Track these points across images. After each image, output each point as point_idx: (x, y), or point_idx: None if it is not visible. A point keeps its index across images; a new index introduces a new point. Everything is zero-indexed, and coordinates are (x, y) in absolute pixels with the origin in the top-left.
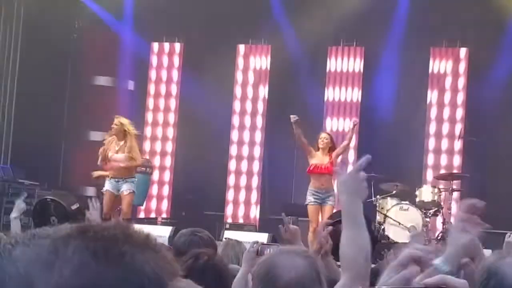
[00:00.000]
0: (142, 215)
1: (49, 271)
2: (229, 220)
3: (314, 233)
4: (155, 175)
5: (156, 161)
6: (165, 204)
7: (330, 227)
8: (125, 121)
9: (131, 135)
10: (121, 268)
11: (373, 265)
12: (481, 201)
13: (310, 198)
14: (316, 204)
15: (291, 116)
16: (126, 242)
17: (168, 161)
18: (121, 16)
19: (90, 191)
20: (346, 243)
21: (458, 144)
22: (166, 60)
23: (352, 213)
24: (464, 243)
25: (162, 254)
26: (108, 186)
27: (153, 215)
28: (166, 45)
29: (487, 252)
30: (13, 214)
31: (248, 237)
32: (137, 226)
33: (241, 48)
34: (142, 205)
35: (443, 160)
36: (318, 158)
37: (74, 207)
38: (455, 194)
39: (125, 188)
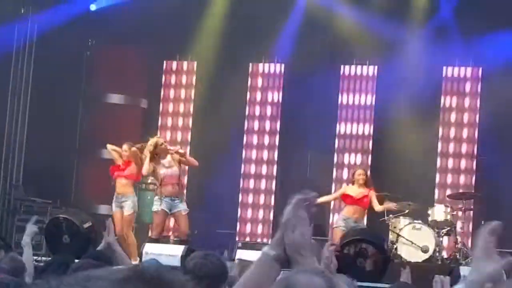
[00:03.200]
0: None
1: None
2: (242, 239)
3: None
4: None
5: None
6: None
7: (333, 247)
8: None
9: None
10: None
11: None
12: (498, 222)
13: (340, 223)
14: (343, 231)
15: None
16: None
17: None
18: (134, 34)
19: (103, 209)
20: None
21: (470, 163)
22: (179, 78)
23: None
24: (490, 272)
25: None
26: (164, 205)
27: (165, 234)
28: (180, 63)
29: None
30: (25, 240)
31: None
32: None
33: (254, 67)
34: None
35: (456, 179)
36: (354, 191)
37: (86, 225)
38: (468, 214)
39: (183, 208)
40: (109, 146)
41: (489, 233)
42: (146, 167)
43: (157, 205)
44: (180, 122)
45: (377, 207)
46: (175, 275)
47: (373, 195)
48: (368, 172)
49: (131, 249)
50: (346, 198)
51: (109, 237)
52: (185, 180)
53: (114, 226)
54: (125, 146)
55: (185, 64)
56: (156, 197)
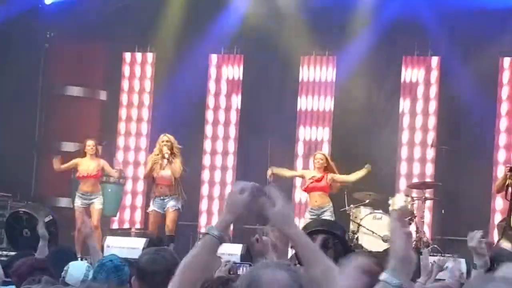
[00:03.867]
0: (115, 225)
1: None
2: (203, 231)
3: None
4: (129, 185)
5: (130, 171)
6: (138, 215)
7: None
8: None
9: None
10: None
11: None
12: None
13: (307, 215)
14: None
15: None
16: None
17: (141, 171)
18: (93, 26)
19: (63, 202)
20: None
21: (430, 153)
22: (138, 70)
23: (309, 244)
24: (402, 253)
25: None
26: (155, 206)
27: (126, 226)
28: (138, 55)
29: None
30: None
31: (222, 249)
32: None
33: (214, 58)
34: (116, 216)
35: (416, 168)
36: (311, 175)
37: (47, 219)
38: (428, 203)
39: (171, 205)
40: (62, 167)
41: (400, 216)
42: (178, 170)
43: (151, 206)
44: (140, 113)
45: (350, 177)
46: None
47: (330, 178)
48: (322, 148)
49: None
50: (305, 187)
51: (87, 230)
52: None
53: (79, 221)
54: (90, 142)
55: (144, 55)
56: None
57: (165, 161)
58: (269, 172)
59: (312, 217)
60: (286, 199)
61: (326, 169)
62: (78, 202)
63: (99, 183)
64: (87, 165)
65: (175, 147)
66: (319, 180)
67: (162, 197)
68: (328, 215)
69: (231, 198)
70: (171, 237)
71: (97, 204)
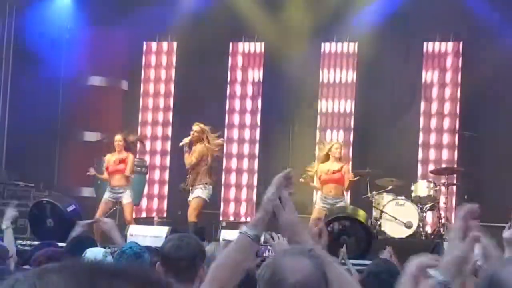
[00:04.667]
0: (138, 214)
1: None
2: (226, 219)
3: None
4: (152, 174)
5: (152, 160)
6: (161, 204)
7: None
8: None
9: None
10: None
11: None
12: (475, 204)
13: (319, 202)
14: (324, 209)
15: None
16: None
17: (164, 160)
18: (114, 15)
19: (86, 191)
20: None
21: (453, 139)
22: (160, 59)
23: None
24: (457, 254)
25: None
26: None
27: (149, 215)
28: (160, 44)
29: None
30: (5, 224)
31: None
32: None
33: (234, 46)
34: (138, 205)
35: (439, 154)
36: (326, 168)
37: (70, 208)
38: (451, 189)
39: (195, 194)
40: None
41: (463, 217)
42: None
43: None
44: (162, 103)
45: (346, 185)
46: (129, 268)
47: (346, 170)
48: (344, 136)
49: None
50: (320, 177)
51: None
52: (165, 161)
53: (99, 211)
54: (118, 137)
55: (165, 44)
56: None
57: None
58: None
59: (324, 205)
60: (292, 207)
61: (340, 159)
62: (107, 195)
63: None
64: (113, 159)
65: (206, 135)
66: (335, 172)
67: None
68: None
69: (269, 196)
70: (192, 224)
71: (126, 198)
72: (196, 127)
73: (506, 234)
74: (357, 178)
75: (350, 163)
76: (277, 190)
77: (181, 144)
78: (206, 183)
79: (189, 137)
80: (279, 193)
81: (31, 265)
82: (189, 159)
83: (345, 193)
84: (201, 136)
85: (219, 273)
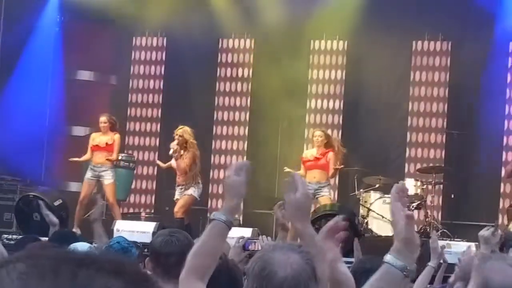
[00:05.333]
0: (126, 210)
1: None
2: (211, 216)
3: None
4: (139, 170)
5: (140, 156)
6: (149, 199)
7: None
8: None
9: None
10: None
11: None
12: (402, 181)
13: None
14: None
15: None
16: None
17: (152, 156)
18: (103, 10)
19: (73, 186)
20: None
21: (440, 138)
22: (148, 55)
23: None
24: (404, 236)
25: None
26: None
27: (137, 210)
28: (149, 39)
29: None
30: None
31: (232, 232)
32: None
33: (224, 42)
34: (125, 200)
35: (426, 153)
36: (311, 154)
37: (57, 203)
38: (438, 187)
39: (187, 192)
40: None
41: (395, 195)
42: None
43: None
44: (150, 99)
45: (330, 173)
46: (99, 257)
47: (332, 156)
48: (332, 133)
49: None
50: (304, 163)
51: (94, 215)
52: (152, 156)
53: (82, 193)
54: (103, 118)
55: (154, 40)
56: None
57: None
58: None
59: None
60: (307, 193)
61: (327, 145)
62: (88, 174)
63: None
64: (100, 138)
65: (189, 142)
66: (318, 159)
67: (180, 186)
68: (326, 192)
69: (229, 182)
70: (178, 220)
71: (107, 178)
72: (179, 131)
73: (485, 233)
74: (342, 166)
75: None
76: (235, 173)
77: (170, 152)
78: (198, 182)
79: (176, 142)
80: (238, 176)
81: None
82: (183, 163)
83: (329, 179)
84: (185, 139)
85: (197, 260)
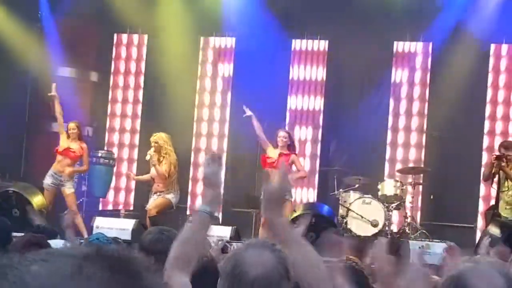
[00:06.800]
0: (105, 207)
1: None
2: (192, 210)
3: (264, 227)
4: (119, 167)
5: (120, 153)
6: (128, 197)
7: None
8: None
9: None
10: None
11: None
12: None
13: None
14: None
15: (245, 109)
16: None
17: (132, 153)
18: (85, 7)
19: None
20: (303, 264)
21: (420, 138)
22: (130, 51)
23: (291, 232)
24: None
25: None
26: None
27: (116, 207)
28: (130, 37)
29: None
30: None
31: (212, 231)
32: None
33: (205, 40)
34: (105, 197)
35: (405, 154)
36: (274, 154)
37: (36, 199)
38: (417, 188)
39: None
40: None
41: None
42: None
43: None
44: (131, 95)
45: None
46: (132, 252)
47: (295, 159)
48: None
49: (81, 228)
50: (264, 162)
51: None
52: (132, 153)
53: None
54: (72, 124)
55: (135, 37)
56: None
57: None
58: (247, 113)
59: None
60: (286, 182)
61: (289, 148)
62: (48, 180)
63: (73, 166)
64: (68, 143)
65: (164, 148)
66: (275, 161)
67: (158, 193)
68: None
69: (204, 174)
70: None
71: (69, 188)
72: (154, 138)
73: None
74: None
75: (318, 160)
76: (209, 164)
77: (147, 158)
78: (177, 190)
79: (152, 149)
80: (215, 168)
81: (9, 250)
82: (161, 169)
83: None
84: (160, 145)
85: (182, 250)
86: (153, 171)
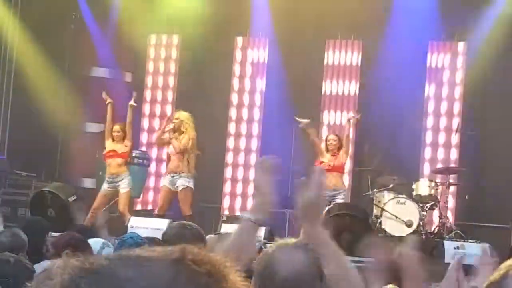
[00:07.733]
0: (139, 207)
1: None
2: (226, 213)
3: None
4: (153, 167)
5: (154, 153)
6: (157, 196)
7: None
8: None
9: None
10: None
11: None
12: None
13: None
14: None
15: (302, 121)
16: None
17: (160, 153)
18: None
19: (87, 182)
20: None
21: (455, 138)
22: (163, 52)
23: (328, 242)
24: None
25: None
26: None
27: (150, 207)
28: (164, 37)
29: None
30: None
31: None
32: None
33: (239, 40)
34: (139, 197)
35: (440, 154)
36: (327, 158)
37: (71, 199)
38: (452, 188)
39: (180, 184)
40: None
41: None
42: (178, 145)
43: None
44: (165, 96)
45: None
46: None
47: (343, 153)
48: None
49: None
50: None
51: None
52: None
53: (95, 203)
54: (116, 127)
55: (170, 37)
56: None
57: (167, 135)
58: (304, 122)
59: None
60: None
61: (339, 150)
62: (104, 186)
63: (125, 164)
64: (113, 146)
65: (185, 124)
66: (331, 165)
67: (171, 174)
68: (341, 199)
69: (255, 181)
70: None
71: (122, 188)
72: (176, 114)
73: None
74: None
75: (352, 160)
76: (261, 171)
77: (166, 130)
78: (193, 173)
79: (172, 125)
80: (265, 176)
81: (47, 251)
82: (179, 143)
83: (345, 185)
84: (182, 120)
85: (226, 254)
86: (170, 148)
